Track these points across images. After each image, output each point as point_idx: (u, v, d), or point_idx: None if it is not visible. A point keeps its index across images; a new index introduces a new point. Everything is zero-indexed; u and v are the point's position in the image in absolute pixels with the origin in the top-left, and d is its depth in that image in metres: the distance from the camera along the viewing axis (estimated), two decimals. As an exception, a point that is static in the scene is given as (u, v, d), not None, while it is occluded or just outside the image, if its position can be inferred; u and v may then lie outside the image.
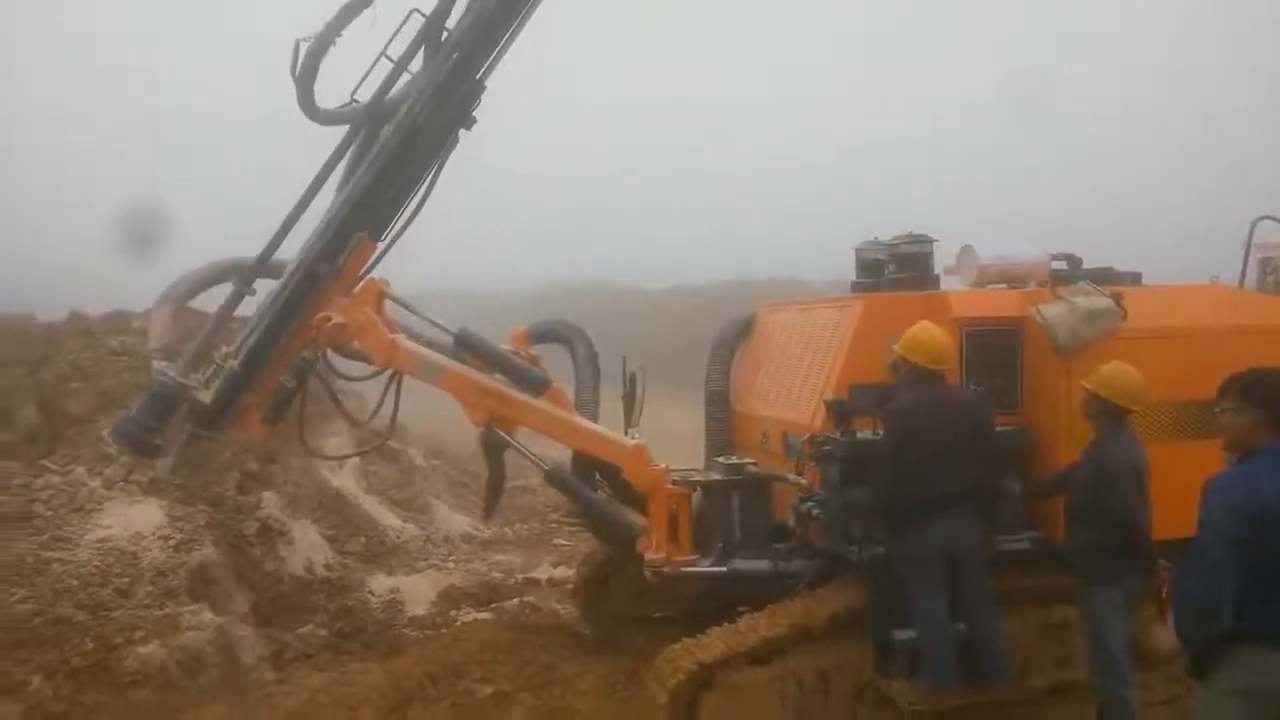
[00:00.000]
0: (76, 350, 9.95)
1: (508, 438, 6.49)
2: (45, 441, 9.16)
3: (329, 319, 6.06)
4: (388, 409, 6.45)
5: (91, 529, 7.48)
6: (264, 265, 6.20)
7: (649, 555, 6.38)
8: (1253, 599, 3.58)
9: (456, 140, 6.14)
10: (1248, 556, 3.58)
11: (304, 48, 5.95)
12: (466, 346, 6.60)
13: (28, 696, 6.06)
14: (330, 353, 6.25)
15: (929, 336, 5.62)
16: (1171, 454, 5.53)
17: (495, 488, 7.39)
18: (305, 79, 6.01)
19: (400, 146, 5.94)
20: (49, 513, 7.49)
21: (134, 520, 7.65)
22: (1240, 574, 3.60)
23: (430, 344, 6.44)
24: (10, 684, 6.09)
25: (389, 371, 6.36)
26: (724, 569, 6.46)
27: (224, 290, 6.47)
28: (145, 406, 6.13)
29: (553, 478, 6.58)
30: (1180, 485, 4.32)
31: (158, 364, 6.10)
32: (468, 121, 6.11)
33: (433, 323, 6.60)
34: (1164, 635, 5.35)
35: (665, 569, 6.35)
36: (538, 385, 6.57)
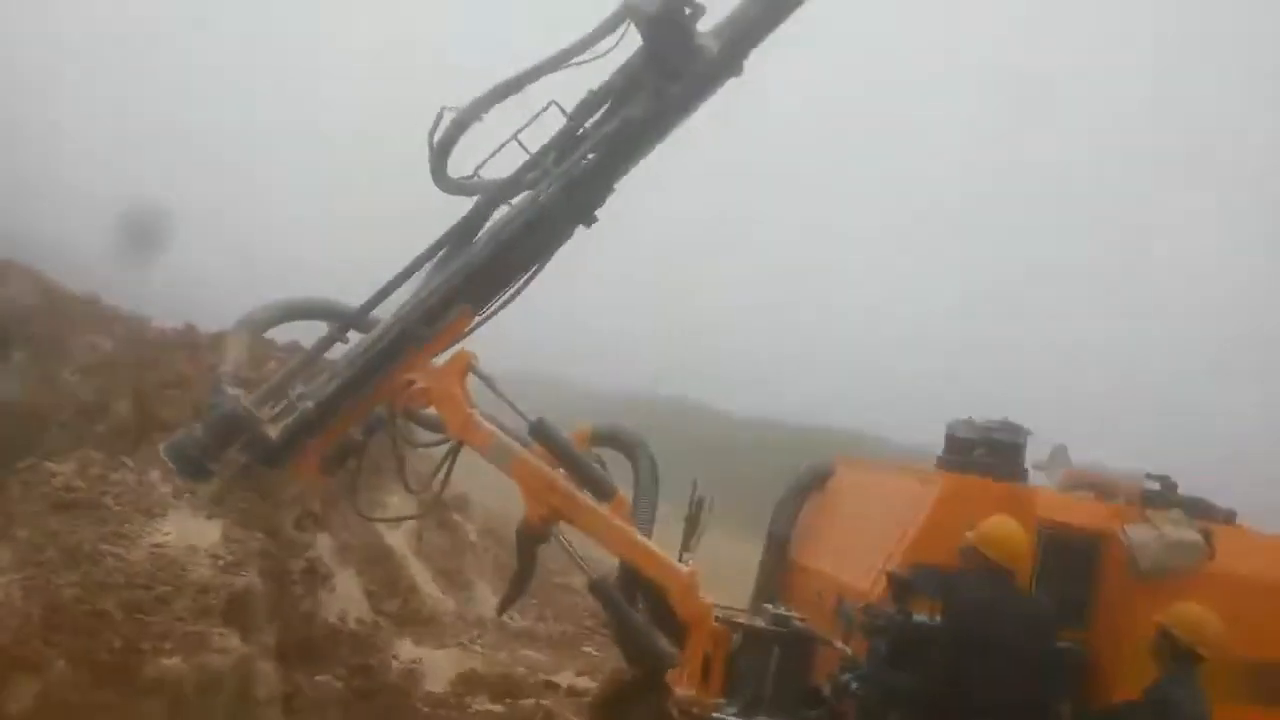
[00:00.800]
0: (181, 361, 10.38)
1: (560, 537, 6.43)
2: (132, 439, 9.51)
3: (413, 382, 6.05)
4: (446, 477, 6.40)
5: (151, 532, 7.65)
6: (362, 317, 6.21)
7: (680, 690, 6.20)
8: None
9: (571, 234, 6.18)
10: None
11: (448, 116, 6.18)
12: (540, 437, 6.47)
13: (47, 678, 6.15)
14: (402, 415, 6.20)
15: (1007, 533, 5.47)
16: (1237, 718, 5.22)
17: (522, 582, 7.13)
18: (443, 147, 6.22)
19: (522, 229, 6.02)
20: (117, 507, 7.69)
21: (192, 533, 7.80)
22: None
23: (503, 426, 6.46)
24: (37, 662, 6.19)
25: (451, 442, 6.31)
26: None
27: (305, 327, 6.55)
28: (210, 429, 6.00)
29: (597, 589, 6.44)
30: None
31: (231, 389, 6.04)
32: (589, 220, 6.16)
33: (512, 406, 6.46)
34: None
35: (695, 709, 6.16)
36: (606, 491, 6.53)
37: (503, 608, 7.77)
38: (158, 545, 7.56)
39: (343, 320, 6.32)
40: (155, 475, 8.38)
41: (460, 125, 6.23)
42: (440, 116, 6.17)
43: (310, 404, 5.87)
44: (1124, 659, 5.67)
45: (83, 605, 6.61)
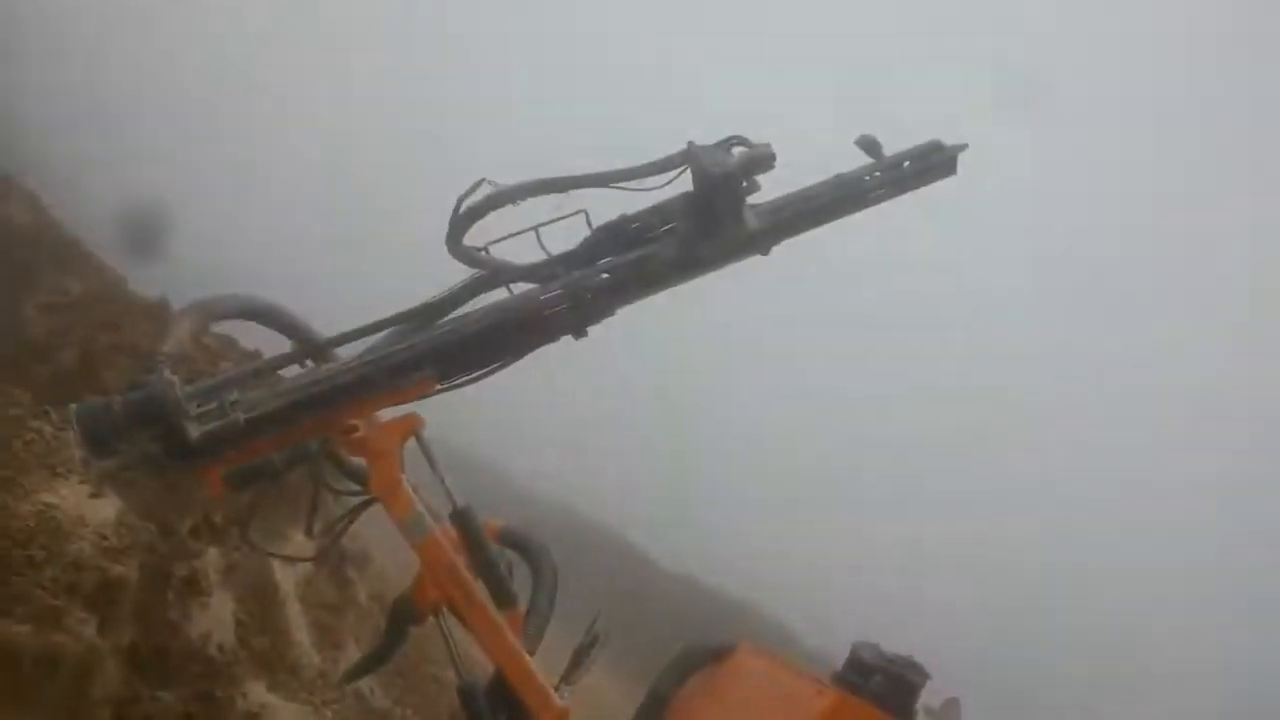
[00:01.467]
0: (143, 331, 10.25)
1: (444, 628, 6.24)
2: (66, 392, 9.30)
3: (355, 428, 5.79)
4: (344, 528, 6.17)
5: (47, 491, 7.41)
6: (329, 348, 5.95)
7: None
8: None
9: (556, 340, 5.99)
10: None
11: (486, 188, 6.26)
12: (460, 525, 6.45)
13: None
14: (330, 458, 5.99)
15: None
16: None
17: (382, 658, 6.93)
18: (470, 217, 6.24)
19: (516, 322, 5.85)
20: (23, 454, 7.48)
21: (86, 505, 7.57)
22: None
23: (423, 500, 6.29)
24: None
25: (365, 497, 6.02)
26: None
27: (263, 336, 6.36)
28: (129, 406, 5.54)
29: (466, 695, 6.26)
30: None
31: (166, 373, 5.60)
32: (579, 333, 6.00)
33: (445, 487, 6.11)
34: None
35: None
36: (507, 599, 6.40)
37: (351, 677, 7.41)
38: (48, 505, 7.32)
39: (307, 343, 6.14)
40: (72, 436, 8.17)
41: (494, 202, 6.30)
42: (477, 186, 6.27)
43: (242, 415, 5.49)
44: None
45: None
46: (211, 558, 8.91)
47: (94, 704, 6.56)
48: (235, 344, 11.69)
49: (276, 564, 10.05)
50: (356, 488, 6.26)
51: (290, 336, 6.33)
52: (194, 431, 5.43)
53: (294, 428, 5.70)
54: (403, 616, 6.70)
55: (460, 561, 6.24)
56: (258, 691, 8.93)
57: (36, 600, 6.48)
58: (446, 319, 6.17)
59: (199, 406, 5.49)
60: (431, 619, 6.09)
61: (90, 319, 10.46)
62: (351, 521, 6.20)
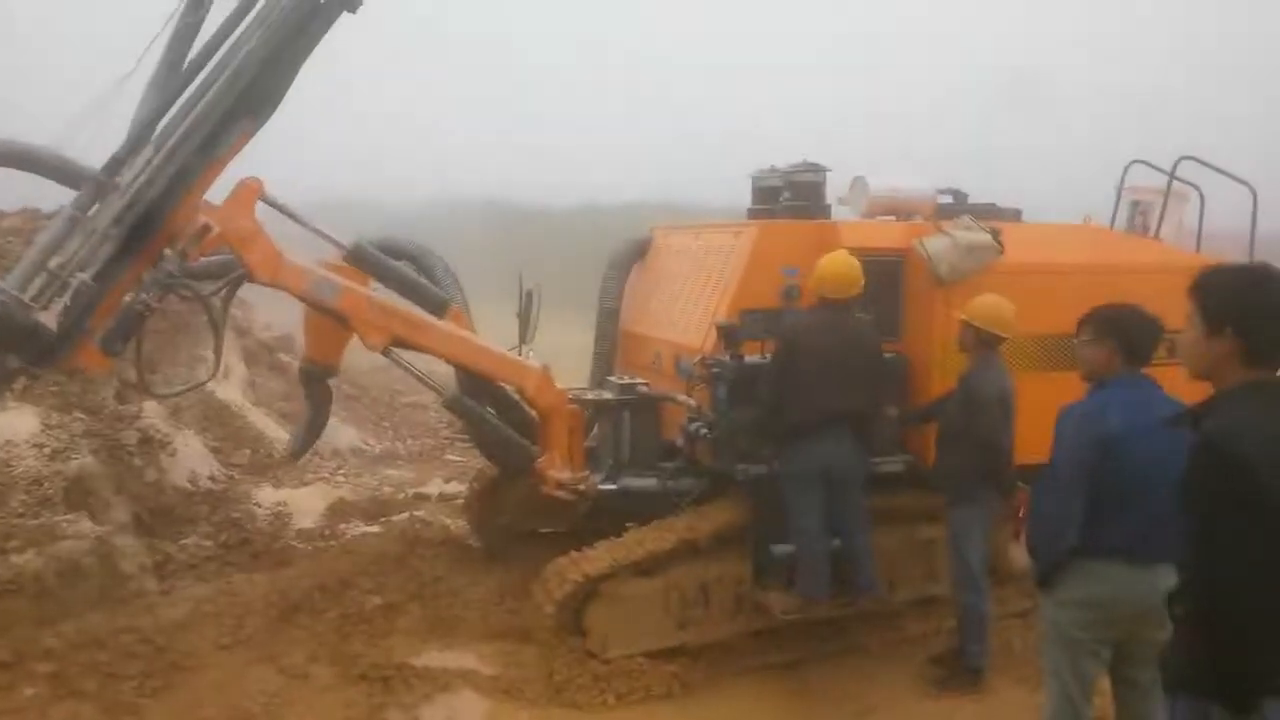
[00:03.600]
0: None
1: (401, 360, 6.30)
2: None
3: (209, 227, 5.36)
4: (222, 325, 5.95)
5: (-44, 435, 7.18)
6: (114, 169, 5.19)
7: (554, 473, 6.45)
8: (1095, 519, 3.89)
9: (336, 19, 5.40)
10: (1093, 480, 3.88)
11: None
12: (360, 263, 6.21)
13: (-108, 605, 5.88)
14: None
15: (834, 268, 5.80)
16: (1036, 384, 5.89)
17: (317, 427, 7.11)
18: None
19: (301, 15, 5.20)
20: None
21: (6, 427, 7.36)
22: (1086, 496, 3.90)
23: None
24: (-126, 592, 5.89)
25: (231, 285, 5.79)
26: (615, 486, 6.63)
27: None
28: None
29: (454, 405, 6.47)
30: (1043, 413, 4.62)
31: None
32: (354, 4, 5.40)
33: (319, 233, 6.01)
34: (1019, 553, 5.76)
35: (578, 485, 6.45)
36: (439, 305, 6.44)
37: (299, 451, 7.36)
38: (-33, 446, 7.13)
39: (93, 178, 5.24)
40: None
41: None
42: None
43: (86, 276, 5.03)
44: (935, 359, 6.24)
45: (-94, 523, 6.25)
46: (153, 410, 8.83)
47: (131, 578, 6.79)
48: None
49: (214, 383, 9.96)
50: (220, 283, 5.90)
51: (60, 177, 5.56)
52: (50, 321, 4.94)
53: (139, 257, 5.28)
54: (315, 376, 6.81)
55: (383, 297, 6.13)
56: (268, 494, 9.25)
57: (22, 528, 6.49)
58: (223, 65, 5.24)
59: (34, 293, 4.95)
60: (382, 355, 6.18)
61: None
62: (222, 316, 5.93)
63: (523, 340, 7.06)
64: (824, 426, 5.74)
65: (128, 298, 5.35)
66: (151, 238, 5.32)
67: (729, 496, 6.29)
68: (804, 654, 6.24)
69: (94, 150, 5.26)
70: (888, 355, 6.15)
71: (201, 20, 5.27)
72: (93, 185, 5.22)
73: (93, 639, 5.93)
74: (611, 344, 7.74)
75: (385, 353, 6.13)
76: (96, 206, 5.22)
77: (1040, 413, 4.79)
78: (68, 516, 6.75)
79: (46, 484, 6.97)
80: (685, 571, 6.03)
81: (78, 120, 4.95)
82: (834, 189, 7.09)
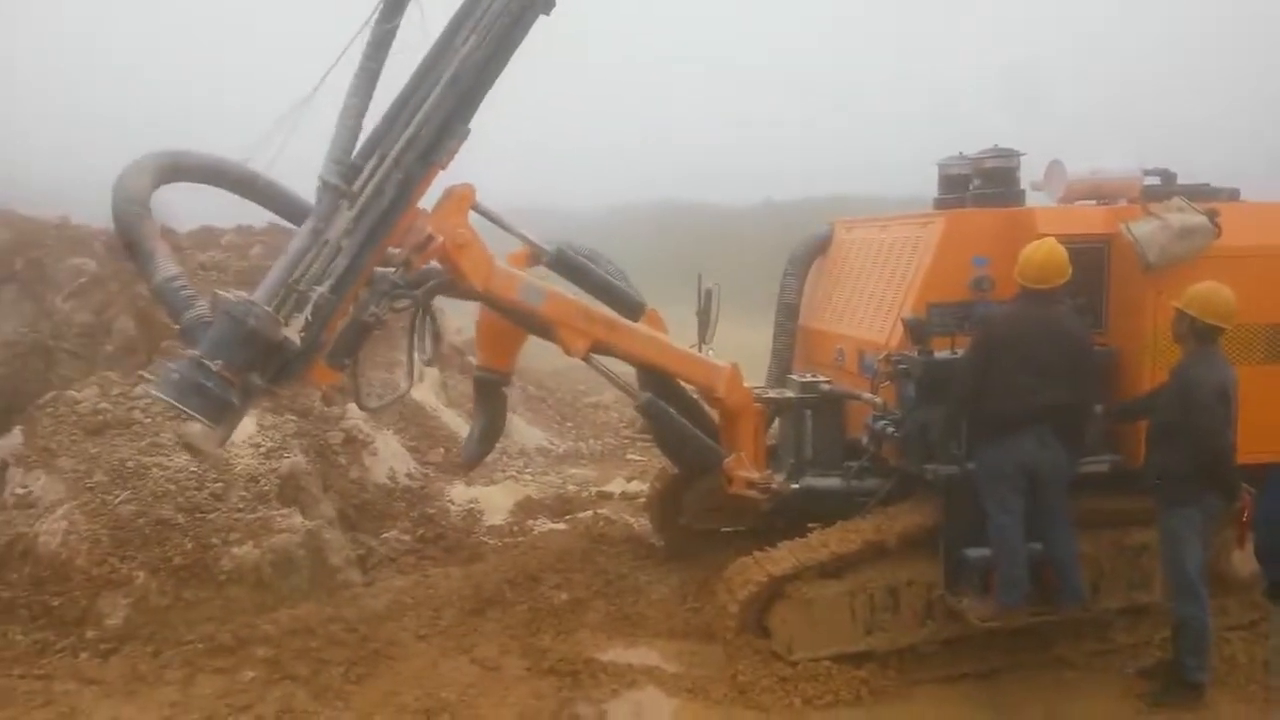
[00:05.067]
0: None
1: (601, 368, 6.27)
2: (143, 353, 9.56)
3: (431, 236, 5.36)
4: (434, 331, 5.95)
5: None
6: (351, 177, 5.19)
7: (744, 473, 6.42)
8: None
9: (530, 27, 5.39)
10: None
11: None
12: (563, 268, 6.20)
13: (134, 591, 6.43)
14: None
15: (1039, 256, 5.52)
16: (1262, 377, 5.39)
17: (492, 436, 6.88)
18: None
19: (513, 22, 5.21)
20: (147, 420, 7.81)
21: (226, 428, 7.95)
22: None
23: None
24: (119, 579, 6.46)
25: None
26: (798, 486, 6.53)
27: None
28: (221, 351, 4.89)
29: (649, 408, 6.35)
30: (1269, 409, 4.21)
31: (232, 295, 4.98)
32: (548, 5, 5.35)
33: (526, 240, 6.04)
34: (1243, 560, 5.29)
35: (769, 485, 6.40)
36: (636, 308, 6.47)
37: (475, 459, 7.08)
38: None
39: (289, 201, 5.45)
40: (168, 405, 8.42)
41: None
42: None
43: (324, 289, 5.05)
44: (1145, 351, 5.81)
45: (144, 517, 6.83)
46: (354, 411, 9.34)
47: (339, 569, 7.20)
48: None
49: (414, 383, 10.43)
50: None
51: (228, 182, 5.66)
52: (295, 337, 4.96)
53: (369, 268, 5.27)
54: (491, 383, 6.78)
55: (585, 302, 6.13)
56: (460, 492, 9.63)
57: (241, 522, 6.99)
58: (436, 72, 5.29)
59: (278, 310, 4.99)
60: (582, 362, 6.20)
61: (121, 280, 10.49)
62: (430, 323, 5.85)
63: (703, 339, 7.05)
64: (1026, 423, 5.43)
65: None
66: (379, 248, 5.38)
67: (917, 497, 6.07)
68: (1000, 664, 5.95)
69: (281, 162, 5.33)
70: (1097, 349, 5.78)
71: (397, 27, 5.26)
72: (333, 195, 5.25)
73: (305, 627, 6.32)
74: (790, 341, 7.61)
75: (586, 358, 6.13)
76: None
77: (1266, 408, 4.40)
78: (281, 511, 7.23)
79: (262, 481, 7.49)
80: (873, 574, 5.85)
81: (269, 133, 5.05)
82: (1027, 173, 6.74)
